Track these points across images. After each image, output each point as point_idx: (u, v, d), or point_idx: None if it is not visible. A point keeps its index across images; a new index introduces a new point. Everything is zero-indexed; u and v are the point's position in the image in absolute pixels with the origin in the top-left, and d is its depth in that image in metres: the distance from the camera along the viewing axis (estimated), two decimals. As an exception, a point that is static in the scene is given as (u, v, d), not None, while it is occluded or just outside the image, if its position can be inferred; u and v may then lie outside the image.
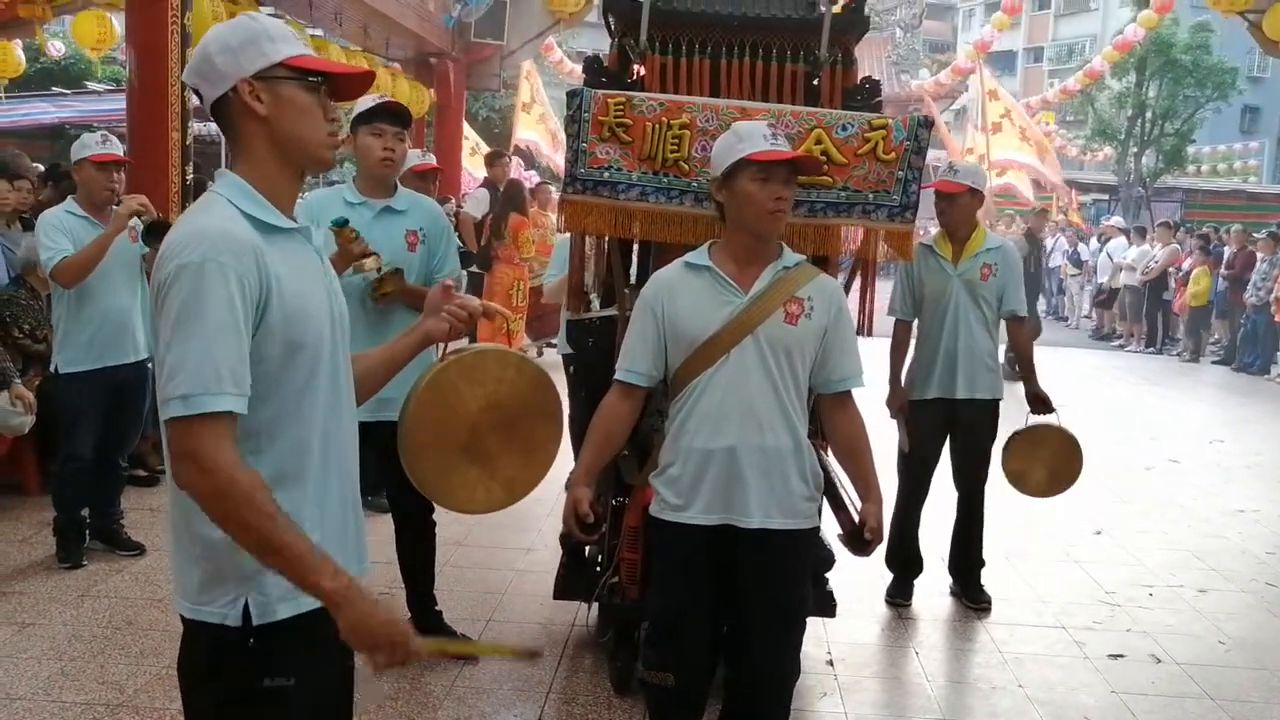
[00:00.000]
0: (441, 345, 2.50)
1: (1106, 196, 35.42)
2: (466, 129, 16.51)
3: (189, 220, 1.97)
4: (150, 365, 5.35)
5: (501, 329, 9.77)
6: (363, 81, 2.14)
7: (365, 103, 4.08)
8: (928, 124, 3.57)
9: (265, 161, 2.02)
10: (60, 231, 4.96)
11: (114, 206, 5.14)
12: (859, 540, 3.00)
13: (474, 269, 9.94)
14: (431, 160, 7.05)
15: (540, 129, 16.40)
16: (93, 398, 5.15)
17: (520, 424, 2.62)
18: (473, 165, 15.64)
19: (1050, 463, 5.09)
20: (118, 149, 5.21)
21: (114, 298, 5.12)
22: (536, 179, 16.87)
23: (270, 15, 8.14)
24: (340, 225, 3.85)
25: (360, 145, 4.10)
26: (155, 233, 5.05)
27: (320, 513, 2.05)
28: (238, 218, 1.95)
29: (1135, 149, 32.91)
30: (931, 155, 4.33)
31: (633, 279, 4.19)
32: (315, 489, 2.03)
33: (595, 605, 4.39)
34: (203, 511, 1.89)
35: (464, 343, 2.54)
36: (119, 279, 5.13)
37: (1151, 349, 16.72)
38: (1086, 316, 20.56)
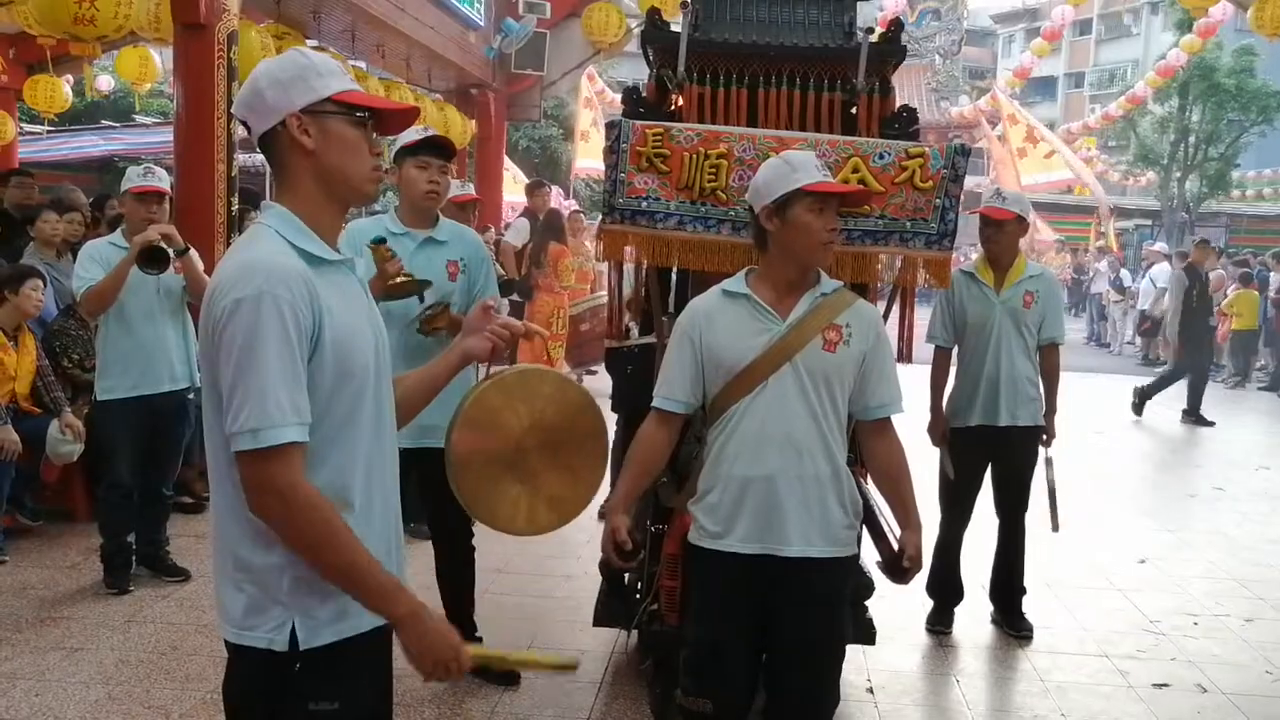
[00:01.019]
0: (484, 365, 2.52)
1: (1149, 222, 35.13)
2: (506, 160, 16.64)
3: (240, 253, 2.01)
4: (190, 395, 5.42)
5: (542, 355, 9.84)
6: (407, 117, 2.20)
7: (409, 135, 4.12)
8: (965, 152, 3.58)
9: (311, 194, 2.07)
10: (95, 262, 5.05)
11: None
12: (898, 568, 3.00)
13: (515, 297, 10.01)
14: (470, 191, 7.13)
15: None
16: (129, 425, 5.21)
17: (566, 444, 2.65)
18: (513, 194, 15.76)
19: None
20: (160, 181, 5.27)
21: (152, 327, 5.18)
22: (574, 207, 16.97)
23: (315, 47, 8.28)
24: (378, 243, 3.90)
25: (405, 177, 4.15)
26: (149, 259, 4.88)
27: (364, 539, 2.08)
28: (287, 250, 1.99)
29: (1178, 174, 32.65)
30: (975, 181, 4.33)
31: (670, 307, 4.22)
32: (359, 516, 2.06)
33: (635, 632, 4.39)
34: (282, 538, 1.95)
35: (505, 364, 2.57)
36: (159, 309, 5.20)
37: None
38: (1129, 343, 20.32)
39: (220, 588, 2.07)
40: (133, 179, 5.20)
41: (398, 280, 3.90)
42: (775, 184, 2.92)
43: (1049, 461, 5.14)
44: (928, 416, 5.15)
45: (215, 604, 2.11)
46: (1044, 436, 5.11)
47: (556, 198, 15.58)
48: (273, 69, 2.04)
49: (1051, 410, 5.13)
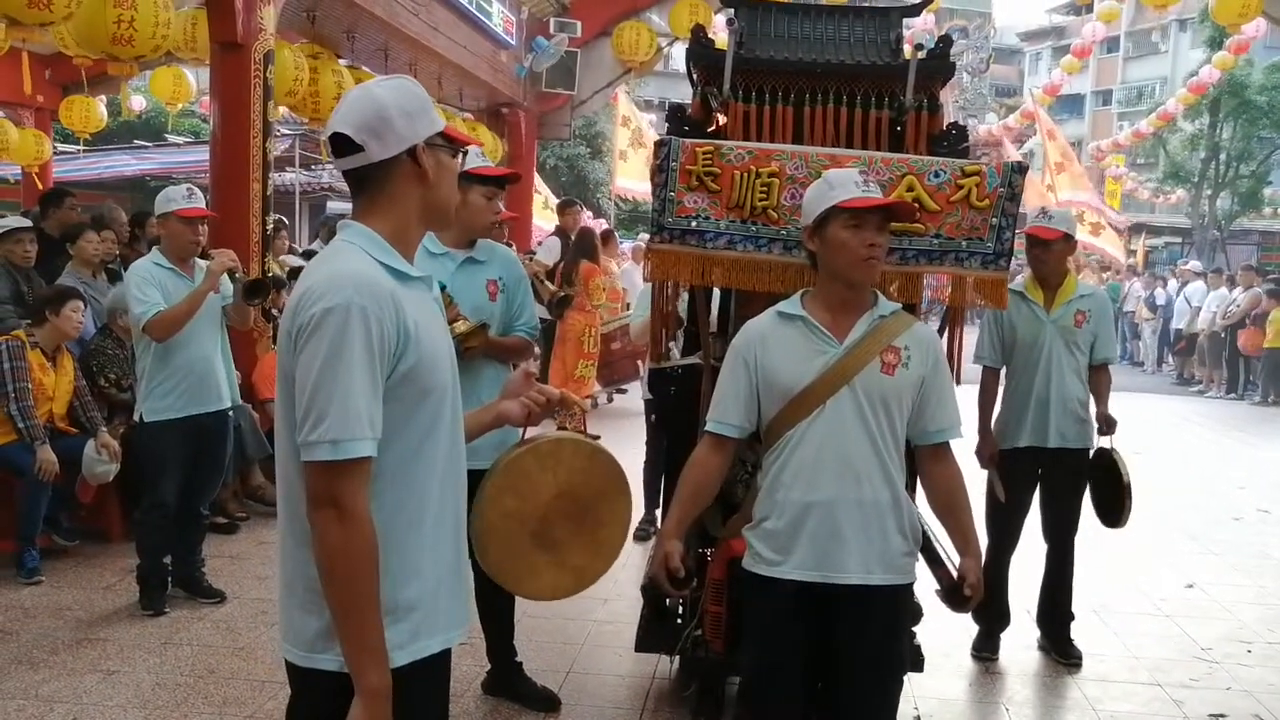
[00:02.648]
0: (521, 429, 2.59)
1: (1180, 240, 34.91)
2: (539, 182, 16.57)
3: (326, 265, 2.01)
4: (231, 414, 5.42)
5: (573, 374, 9.79)
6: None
7: (475, 161, 4.06)
8: (1022, 170, 3.51)
9: (407, 219, 2.10)
10: (151, 284, 5.03)
11: (198, 260, 5.25)
12: (959, 597, 2.91)
13: (547, 316, 9.96)
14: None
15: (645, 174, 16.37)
16: (177, 446, 5.18)
17: (590, 513, 2.71)
18: (542, 219, 15.64)
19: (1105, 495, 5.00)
20: (202, 202, 5.29)
21: (199, 347, 5.18)
22: (604, 225, 16.90)
23: (347, 67, 8.26)
24: (440, 289, 3.87)
25: (470, 204, 4.05)
26: (255, 291, 5.18)
27: (434, 556, 2.07)
28: (375, 265, 2.00)
29: (1209, 191, 32.42)
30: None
31: (714, 327, 4.16)
32: (432, 532, 2.05)
33: (677, 658, 4.32)
34: (319, 550, 1.92)
35: (542, 430, 2.61)
36: (204, 329, 5.19)
37: (1233, 395, 16.28)
38: (1163, 361, 20.13)
39: (288, 610, 2.05)
40: (177, 200, 5.16)
41: (455, 325, 3.87)
42: (814, 203, 2.91)
43: (1114, 452, 4.96)
44: (970, 440, 5.01)
45: (282, 627, 2.08)
46: (1104, 425, 4.95)
47: (586, 216, 15.53)
48: (399, 99, 2.07)
49: (1103, 403, 4.99)
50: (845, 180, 2.88)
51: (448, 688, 2.24)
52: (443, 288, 3.87)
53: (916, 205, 3.41)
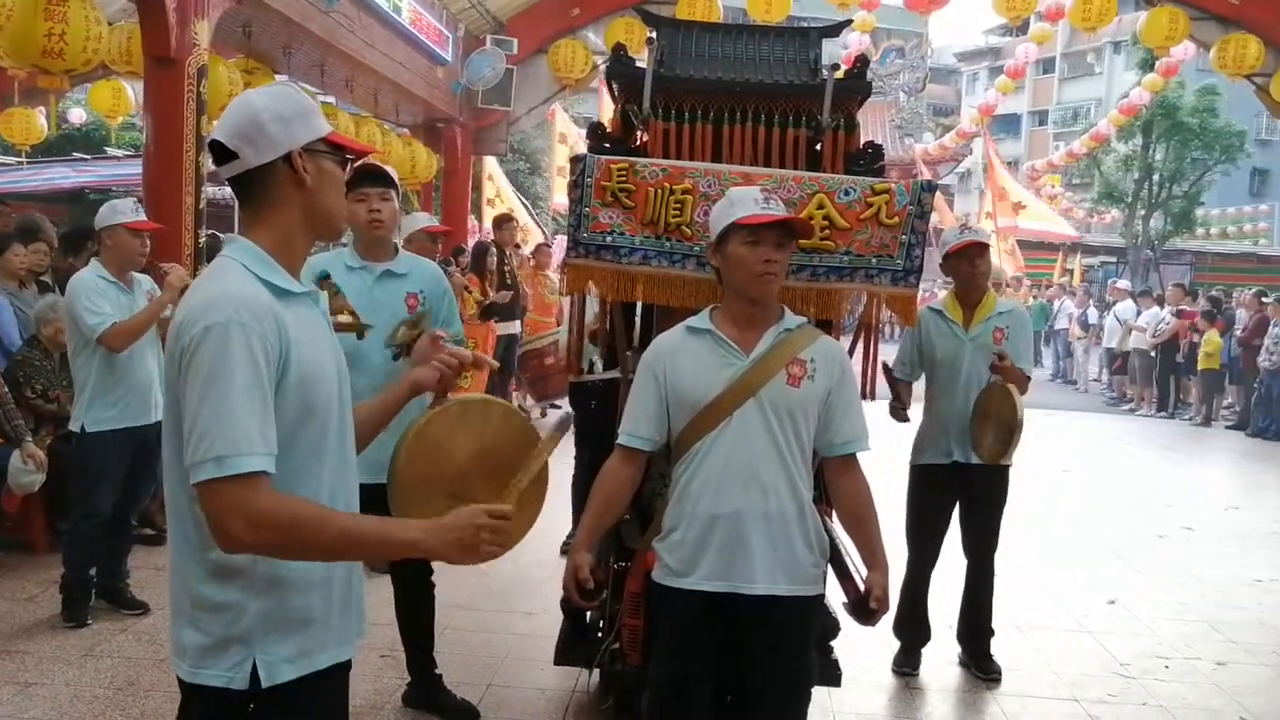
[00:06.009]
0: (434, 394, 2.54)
1: (1114, 259, 35.52)
2: (506, 188, 16.65)
3: (207, 285, 2.00)
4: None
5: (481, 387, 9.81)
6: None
7: None
8: (931, 188, 3.58)
9: (290, 228, 2.07)
10: (102, 297, 5.05)
11: (134, 274, 5.29)
12: (865, 610, 2.96)
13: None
14: (435, 222, 7.19)
15: None
16: (117, 456, 5.19)
17: (508, 474, 2.62)
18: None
19: (996, 422, 4.75)
20: (144, 216, 5.32)
21: (139, 358, 5.20)
22: (540, 239, 16.91)
23: (285, 82, 8.26)
24: (323, 278, 3.93)
25: (348, 212, 4.11)
26: None
27: (326, 571, 2.07)
28: (254, 282, 1.98)
29: (1143, 211, 33.04)
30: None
31: (635, 341, 4.19)
32: None
33: (596, 671, 4.33)
34: (275, 556, 1.95)
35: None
36: (145, 342, 5.22)
37: (1164, 414, 16.55)
38: (1095, 380, 20.45)
39: (176, 626, 2.05)
40: (125, 213, 5.17)
41: (340, 319, 3.89)
42: (716, 221, 2.98)
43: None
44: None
45: (171, 642, 2.08)
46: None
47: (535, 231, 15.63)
48: (274, 104, 2.04)
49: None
50: (745, 198, 2.94)
51: (345, 702, 2.23)
52: (326, 276, 3.90)
53: (826, 223, 3.47)
